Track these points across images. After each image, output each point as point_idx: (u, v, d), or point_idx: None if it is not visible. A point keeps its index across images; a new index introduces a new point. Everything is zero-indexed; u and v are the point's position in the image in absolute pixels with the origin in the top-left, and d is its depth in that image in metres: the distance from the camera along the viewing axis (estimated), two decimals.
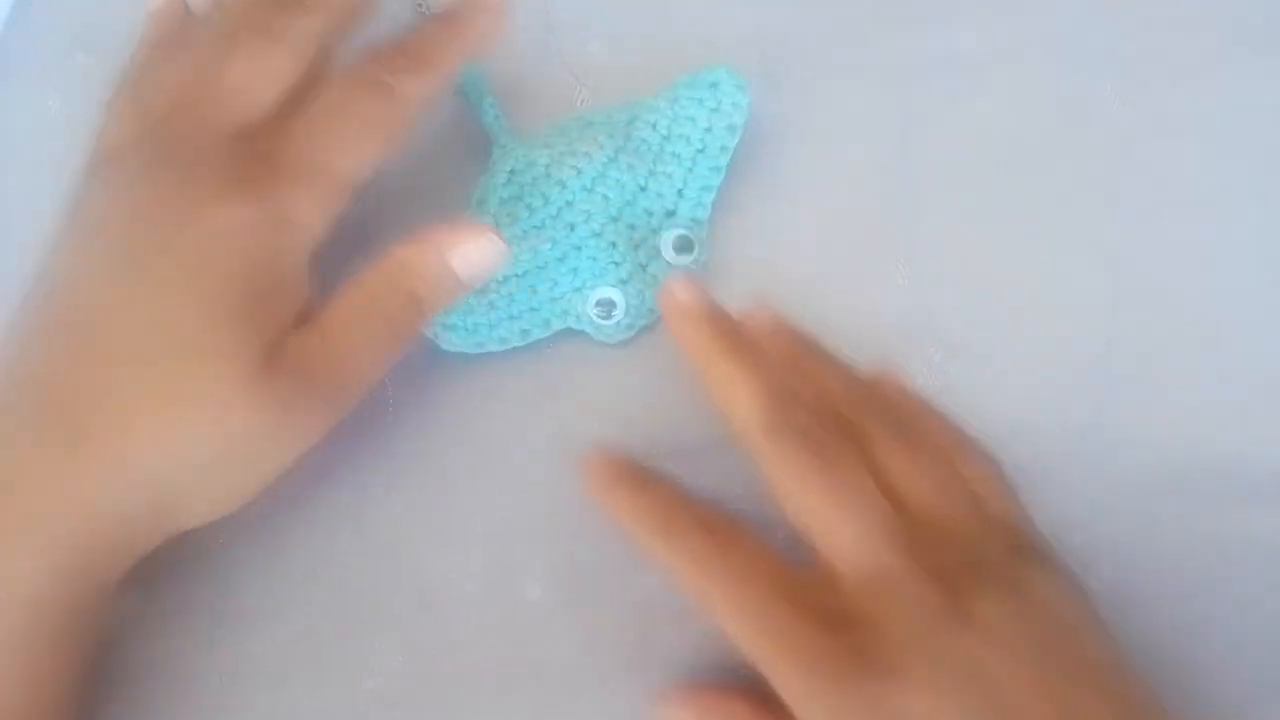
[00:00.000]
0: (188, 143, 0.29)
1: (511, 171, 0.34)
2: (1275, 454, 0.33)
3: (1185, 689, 0.31)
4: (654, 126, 0.34)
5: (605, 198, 0.34)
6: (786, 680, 0.25)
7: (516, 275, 0.34)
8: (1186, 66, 0.36)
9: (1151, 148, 0.35)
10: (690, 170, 0.34)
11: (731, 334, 0.29)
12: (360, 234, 0.35)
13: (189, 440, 0.27)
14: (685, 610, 0.32)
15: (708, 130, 0.34)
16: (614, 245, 0.34)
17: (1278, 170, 0.35)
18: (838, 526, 0.27)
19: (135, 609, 0.31)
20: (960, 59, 0.36)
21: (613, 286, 0.34)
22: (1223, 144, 0.35)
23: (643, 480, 0.30)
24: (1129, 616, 0.32)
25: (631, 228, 0.34)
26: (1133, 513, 0.33)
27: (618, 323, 0.34)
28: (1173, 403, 0.33)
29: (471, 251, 0.30)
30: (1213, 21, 0.37)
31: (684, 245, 0.34)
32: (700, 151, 0.34)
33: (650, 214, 0.34)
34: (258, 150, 0.29)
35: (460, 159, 0.35)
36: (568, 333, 0.34)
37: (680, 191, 0.34)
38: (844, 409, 0.30)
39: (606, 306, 0.34)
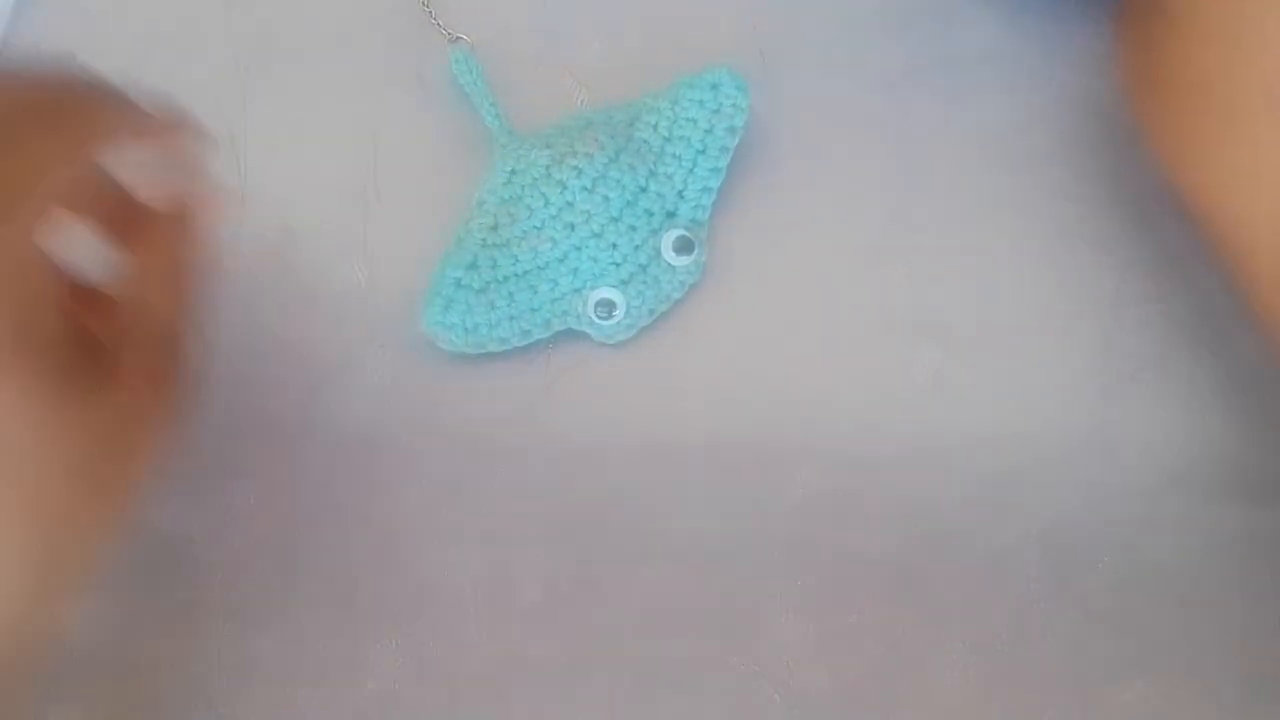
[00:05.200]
0: None
1: (512, 172, 0.34)
2: (1275, 453, 0.33)
3: (1185, 687, 0.31)
4: (655, 127, 0.34)
5: (606, 198, 0.34)
6: None
7: (517, 275, 0.34)
8: None
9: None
10: (691, 171, 0.34)
11: None
12: (361, 234, 0.35)
13: None
14: (685, 610, 0.32)
15: (708, 131, 0.34)
16: (614, 246, 0.34)
17: None
18: None
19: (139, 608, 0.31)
20: (960, 59, 0.36)
21: (613, 287, 0.34)
22: None
23: None
24: (1129, 615, 0.32)
25: (632, 228, 0.34)
26: (1132, 512, 0.33)
27: (618, 323, 0.34)
28: (1173, 403, 0.33)
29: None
30: None
31: (684, 246, 0.34)
32: (701, 152, 0.34)
33: (651, 214, 0.34)
34: None
35: (460, 159, 0.35)
36: (568, 333, 0.34)
37: (680, 192, 0.34)
38: None
39: (606, 307, 0.34)
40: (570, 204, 0.34)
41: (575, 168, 0.33)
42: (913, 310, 0.34)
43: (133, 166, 0.28)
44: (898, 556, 0.32)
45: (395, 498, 0.33)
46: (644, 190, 0.34)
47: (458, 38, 0.36)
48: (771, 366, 0.34)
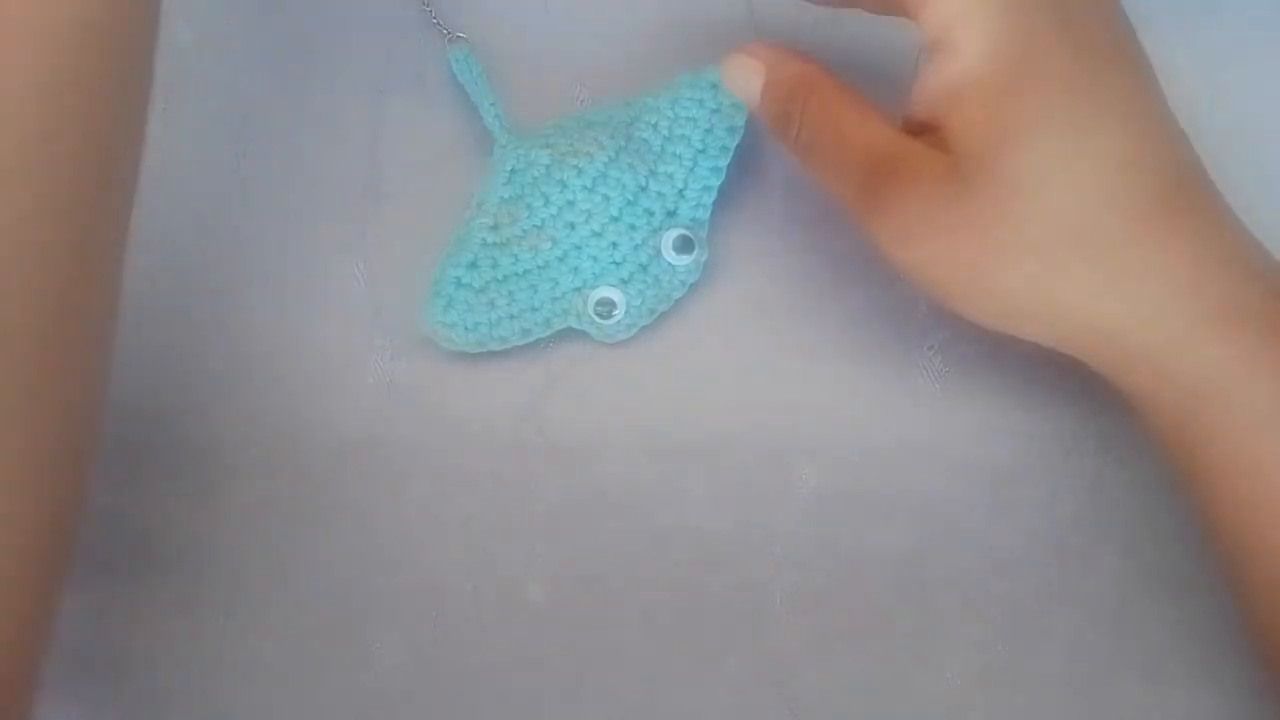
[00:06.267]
0: None
1: (512, 171, 0.34)
2: None
3: (1182, 683, 0.31)
4: (655, 126, 0.34)
5: (606, 197, 0.34)
6: None
7: (517, 274, 0.34)
8: (1185, 67, 0.36)
9: None
10: (691, 170, 0.34)
11: None
12: (360, 232, 0.35)
13: None
14: (686, 610, 0.32)
15: (708, 130, 0.34)
16: (615, 245, 0.34)
17: (1279, 166, 0.35)
18: None
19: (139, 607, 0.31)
20: None
21: (613, 286, 0.34)
22: (1221, 143, 0.35)
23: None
24: (1128, 614, 0.32)
25: (632, 227, 0.34)
26: (1130, 510, 0.33)
27: (618, 322, 0.34)
28: None
29: None
30: (1211, 22, 0.37)
31: (684, 245, 0.34)
32: (701, 152, 0.34)
33: (651, 214, 0.34)
34: None
35: (460, 159, 0.35)
36: (568, 332, 0.34)
37: (681, 191, 0.34)
38: None
39: (607, 306, 0.34)
40: (571, 203, 0.34)
41: (576, 167, 0.33)
42: (913, 308, 0.34)
43: None
44: (898, 556, 0.32)
45: (396, 496, 0.33)
46: (644, 189, 0.34)
47: (458, 37, 0.36)
48: (771, 365, 0.34)
